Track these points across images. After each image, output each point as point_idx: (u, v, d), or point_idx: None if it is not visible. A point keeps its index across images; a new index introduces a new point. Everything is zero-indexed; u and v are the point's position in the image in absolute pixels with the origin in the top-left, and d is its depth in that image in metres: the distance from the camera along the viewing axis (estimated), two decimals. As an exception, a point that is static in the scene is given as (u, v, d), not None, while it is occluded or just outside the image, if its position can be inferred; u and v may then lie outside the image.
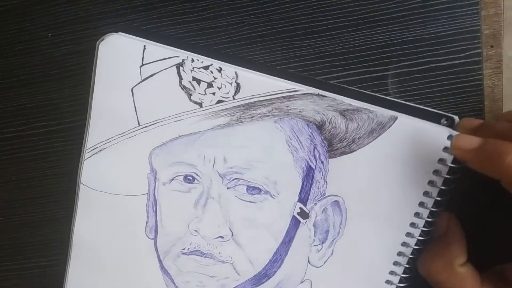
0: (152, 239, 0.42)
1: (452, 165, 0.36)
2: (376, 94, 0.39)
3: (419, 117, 0.37)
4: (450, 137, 0.35)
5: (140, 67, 0.38)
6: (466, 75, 0.39)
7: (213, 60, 0.38)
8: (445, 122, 0.37)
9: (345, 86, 0.39)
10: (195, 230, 0.41)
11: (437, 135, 0.36)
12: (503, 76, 0.42)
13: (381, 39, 0.39)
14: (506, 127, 0.34)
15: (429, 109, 0.38)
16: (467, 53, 0.39)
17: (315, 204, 0.40)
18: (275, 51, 0.40)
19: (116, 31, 0.39)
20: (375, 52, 0.39)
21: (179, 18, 0.41)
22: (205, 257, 0.41)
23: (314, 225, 0.40)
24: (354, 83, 0.40)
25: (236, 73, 0.38)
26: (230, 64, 0.38)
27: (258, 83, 0.38)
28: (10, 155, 0.44)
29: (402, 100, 0.39)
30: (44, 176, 0.44)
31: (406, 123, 0.37)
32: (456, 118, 0.37)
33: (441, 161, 0.36)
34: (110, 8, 0.41)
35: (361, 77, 0.40)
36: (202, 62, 0.38)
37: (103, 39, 0.38)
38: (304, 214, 0.40)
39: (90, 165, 0.41)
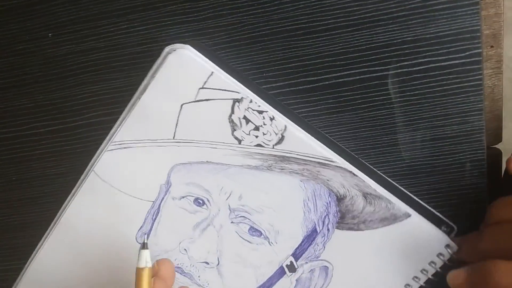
0: (140, 243, 0.42)
1: (439, 270, 0.40)
2: (400, 187, 0.41)
3: (426, 216, 0.40)
4: (447, 247, 0.39)
5: (199, 89, 0.39)
6: (466, 75, 0.39)
7: (270, 107, 0.39)
8: (445, 229, 0.40)
9: (376, 170, 0.41)
10: (184, 249, 0.42)
11: (436, 240, 0.39)
12: (503, 76, 0.42)
13: (381, 39, 0.39)
14: (487, 248, 0.37)
15: (437, 213, 0.40)
16: (467, 53, 0.39)
17: (306, 262, 0.41)
18: (275, 51, 0.40)
19: (184, 43, 0.39)
20: (375, 52, 0.39)
21: (179, 18, 0.41)
22: (184, 275, 0.42)
23: (297, 280, 0.42)
24: (354, 83, 0.40)
25: (285, 126, 0.39)
26: (283, 117, 0.39)
27: (301, 143, 0.39)
28: (11, 155, 0.45)
29: (416, 196, 0.41)
30: (44, 176, 0.44)
31: (415, 222, 0.40)
32: (455, 228, 0.40)
33: (432, 263, 0.40)
34: (110, 8, 0.41)
35: (361, 77, 0.40)
36: (259, 106, 0.39)
37: (174, 50, 0.39)
38: (292, 268, 0.41)
39: (110, 157, 0.41)
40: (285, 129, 0.39)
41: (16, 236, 0.46)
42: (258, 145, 0.40)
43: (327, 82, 0.40)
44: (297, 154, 0.39)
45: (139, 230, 0.42)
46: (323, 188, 0.40)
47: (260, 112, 0.39)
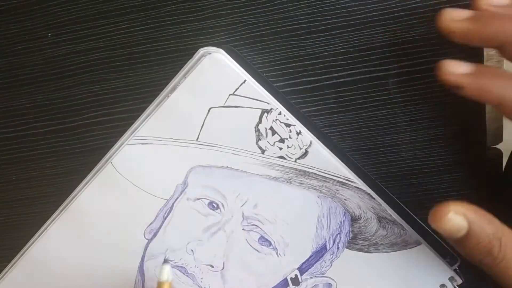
0: (147, 239, 0.43)
1: None
2: (413, 215, 0.41)
3: (432, 244, 0.40)
4: (451, 279, 0.40)
5: (230, 95, 0.39)
6: (467, 75, 0.39)
7: (297, 122, 0.40)
8: (448, 260, 0.40)
9: (393, 197, 0.41)
10: (191, 250, 0.42)
11: (441, 271, 0.40)
12: (504, 76, 0.42)
13: (382, 38, 0.39)
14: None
15: (443, 243, 0.40)
16: (467, 53, 0.39)
17: (311, 277, 0.41)
18: (275, 51, 0.40)
19: (218, 46, 0.39)
20: (375, 52, 0.39)
21: (179, 17, 0.41)
22: (187, 276, 0.42)
23: None
24: (355, 83, 0.40)
25: (311, 142, 0.39)
26: (310, 133, 0.40)
27: (324, 160, 0.40)
28: (10, 155, 0.44)
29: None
30: (43, 176, 0.44)
31: (423, 251, 0.40)
32: (458, 260, 0.40)
33: None
34: (110, 8, 0.41)
35: (362, 77, 0.40)
36: (288, 119, 0.39)
37: (209, 53, 0.39)
38: (296, 281, 0.42)
39: (130, 151, 0.41)
40: (310, 145, 0.39)
41: (15, 236, 0.46)
42: (281, 157, 0.40)
43: (327, 82, 0.40)
44: (318, 171, 0.40)
45: (148, 226, 0.42)
46: (339, 207, 0.40)
47: (288, 125, 0.39)
